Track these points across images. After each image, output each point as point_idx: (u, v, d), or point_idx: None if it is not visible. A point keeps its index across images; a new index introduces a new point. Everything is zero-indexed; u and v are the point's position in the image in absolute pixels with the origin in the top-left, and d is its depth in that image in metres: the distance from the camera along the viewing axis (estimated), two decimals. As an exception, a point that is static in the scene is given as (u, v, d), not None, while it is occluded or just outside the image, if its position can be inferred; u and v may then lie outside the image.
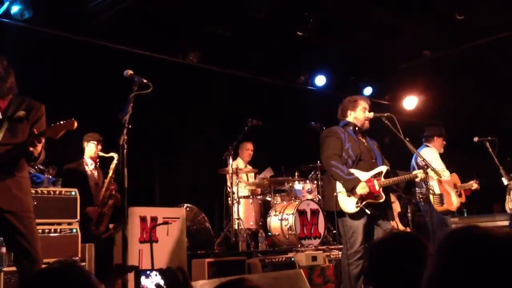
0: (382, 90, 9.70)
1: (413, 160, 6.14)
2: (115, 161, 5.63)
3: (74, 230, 4.71)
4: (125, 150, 3.26)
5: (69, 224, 4.73)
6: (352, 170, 4.44)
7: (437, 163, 5.82)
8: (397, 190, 6.65)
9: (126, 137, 3.27)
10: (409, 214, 7.44)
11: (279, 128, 8.20)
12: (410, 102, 9.52)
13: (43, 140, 3.34)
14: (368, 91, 9.42)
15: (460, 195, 6.21)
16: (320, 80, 8.91)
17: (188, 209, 6.30)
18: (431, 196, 5.43)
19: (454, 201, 5.98)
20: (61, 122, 3.38)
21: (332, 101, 5.12)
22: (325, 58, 8.52)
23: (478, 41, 7.77)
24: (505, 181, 6.11)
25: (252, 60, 7.73)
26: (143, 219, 5.26)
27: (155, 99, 7.21)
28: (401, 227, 6.97)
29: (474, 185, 6.36)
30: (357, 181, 4.35)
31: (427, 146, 6.35)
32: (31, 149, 3.30)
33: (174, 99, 7.41)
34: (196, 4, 6.44)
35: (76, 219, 4.78)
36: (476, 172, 6.66)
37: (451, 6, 6.43)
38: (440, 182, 5.83)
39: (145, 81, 3.48)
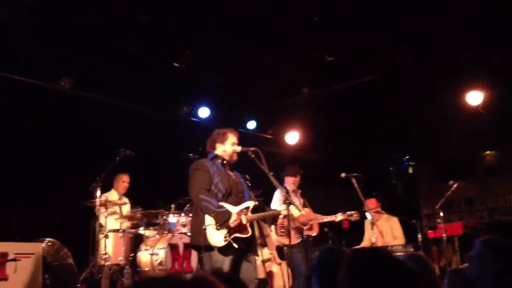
0: (265, 125, 9.89)
1: (275, 195, 6.38)
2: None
3: None
4: None
5: None
6: (222, 204, 4.46)
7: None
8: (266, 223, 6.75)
9: None
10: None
11: (158, 160, 8.04)
12: (292, 137, 9.82)
13: None
14: (251, 124, 9.54)
15: (311, 229, 6.42)
16: (204, 112, 8.87)
17: (50, 243, 5.93)
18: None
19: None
20: None
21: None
22: (208, 90, 8.54)
23: (352, 82, 8.26)
24: (368, 216, 6.45)
25: (130, 89, 7.53)
26: (-10, 255, 4.82)
27: (21, 125, 6.80)
28: (278, 260, 7.02)
29: (338, 216, 6.57)
30: (229, 213, 4.38)
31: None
32: None
33: (42, 125, 6.98)
34: (70, 32, 6.21)
35: None
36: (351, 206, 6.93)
37: (321, 49, 6.78)
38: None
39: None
